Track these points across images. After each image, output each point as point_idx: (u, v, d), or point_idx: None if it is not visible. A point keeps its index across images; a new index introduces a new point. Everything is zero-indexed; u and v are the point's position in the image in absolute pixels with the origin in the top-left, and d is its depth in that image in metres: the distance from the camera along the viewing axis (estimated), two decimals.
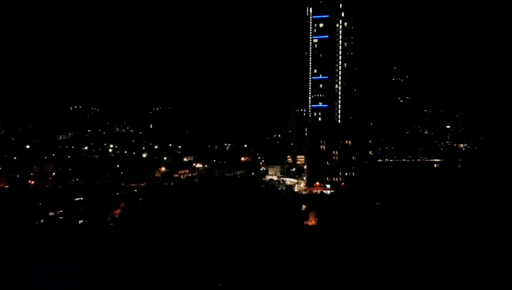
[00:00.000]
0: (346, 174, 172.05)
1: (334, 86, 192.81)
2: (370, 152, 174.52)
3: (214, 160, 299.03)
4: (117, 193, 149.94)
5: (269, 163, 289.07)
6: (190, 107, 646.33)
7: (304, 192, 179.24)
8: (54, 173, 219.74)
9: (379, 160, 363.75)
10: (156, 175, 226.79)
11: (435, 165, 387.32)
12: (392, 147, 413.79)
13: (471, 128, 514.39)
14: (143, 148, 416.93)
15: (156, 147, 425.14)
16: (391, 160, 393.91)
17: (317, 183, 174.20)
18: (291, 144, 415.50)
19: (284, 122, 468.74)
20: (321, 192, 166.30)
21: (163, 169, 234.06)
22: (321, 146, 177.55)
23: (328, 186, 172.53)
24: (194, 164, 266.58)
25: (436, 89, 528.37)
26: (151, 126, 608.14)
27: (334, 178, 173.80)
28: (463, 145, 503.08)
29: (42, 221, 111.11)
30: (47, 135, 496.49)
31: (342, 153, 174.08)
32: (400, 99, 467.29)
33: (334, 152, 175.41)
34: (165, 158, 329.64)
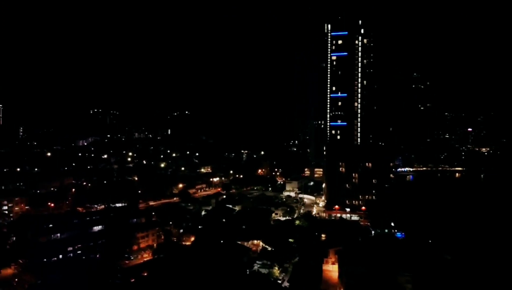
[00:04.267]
0: (367, 197, 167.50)
1: (354, 103, 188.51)
2: (391, 175, 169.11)
3: (231, 171, 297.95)
4: (135, 220, 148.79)
5: (286, 175, 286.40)
6: (207, 112, 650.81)
7: (323, 214, 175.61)
8: (73, 189, 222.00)
9: (399, 169, 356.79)
10: (173, 192, 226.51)
11: (457, 175, 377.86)
12: (412, 155, 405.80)
13: (493, 131, 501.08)
14: (161, 156, 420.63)
15: (173, 155, 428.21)
16: (411, 169, 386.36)
17: (337, 206, 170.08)
18: (308, 150, 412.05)
19: (301, 128, 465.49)
20: (341, 218, 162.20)
21: (180, 185, 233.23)
22: (341, 168, 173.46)
23: (348, 209, 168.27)
24: (211, 178, 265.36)
25: (457, 92, 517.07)
26: (169, 131, 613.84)
27: (354, 201, 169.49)
28: (485, 149, 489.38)
29: (60, 256, 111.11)
30: (68, 140, 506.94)
31: (362, 176, 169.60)
32: (421, 106, 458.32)
33: (354, 174, 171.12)
34: (182, 168, 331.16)
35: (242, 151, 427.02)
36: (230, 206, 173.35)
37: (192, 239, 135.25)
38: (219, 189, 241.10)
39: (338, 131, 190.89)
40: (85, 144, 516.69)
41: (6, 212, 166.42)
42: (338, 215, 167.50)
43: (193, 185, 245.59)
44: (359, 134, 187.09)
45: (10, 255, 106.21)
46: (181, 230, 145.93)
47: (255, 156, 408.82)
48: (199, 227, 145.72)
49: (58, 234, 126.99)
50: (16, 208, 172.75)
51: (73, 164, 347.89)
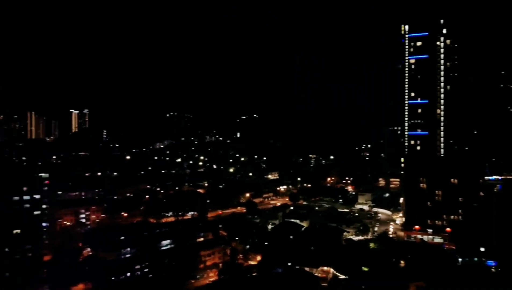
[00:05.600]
0: (452, 217, 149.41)
1: (435, 111, 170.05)
2: (481, 193, 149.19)
3: (299, 179, 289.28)
4: (202, 234, 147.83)
5: (358, 185, 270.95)
6: (276, 115, 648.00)
7: (400, 233, 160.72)
8: (147, 196, 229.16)
9: (486, 177, 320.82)
10: (241, 201, 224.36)
11: None
12: (501, 162, 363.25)
13: None
14: (230, 160, 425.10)
15: (242, 159, 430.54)
16: (500, 177, 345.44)
17: (417, 226, 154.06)
18: (382, 155, 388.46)
19: (374, 132, 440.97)
20: (422, 240, 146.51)
21: (247, 195, 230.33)
22: (421, 184, 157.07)
23: (429, 230, 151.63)
24: (278, 187, 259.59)
25: None
26: (238, 135, 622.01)
27: (437, 221, 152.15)
28: None
29: (128, 274, 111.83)
30: (147, 143, 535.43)
31: (446, 193, 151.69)
32: (510, 108, 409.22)
33: (437, 191, 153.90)
34: (250, 174, 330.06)
35: (310, 155, 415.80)
36: (298, 221, 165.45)
37: (258, 258, 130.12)
38: (287, 199, 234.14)
39: (418, 141, 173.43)
40: (162, 146, 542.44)
41: (84, 220, 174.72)
42: (419, 236, 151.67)
43: (260, 193, 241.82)
44: (442, 144, 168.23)
45: (82, 272, 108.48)
46: (247, 246, 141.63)
47: (324, 161, 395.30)
48: (265, 243, 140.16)
49: (128, 249, 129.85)
50: (93, 217, 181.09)
51: (149, 168, 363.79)
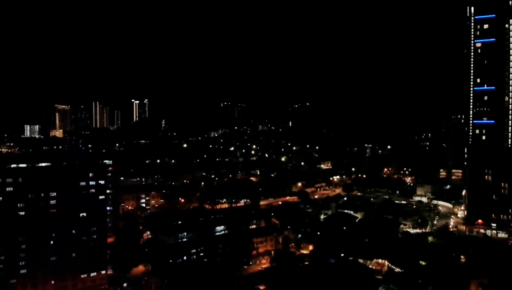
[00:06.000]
0: None
1: (504, 98, 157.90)
2: None
3: (353, 169, 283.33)
4: (255, 221, 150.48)
5: (417, 176, 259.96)
6: (329, 103, 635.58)
7: (462, 227, 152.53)
8: (203, 183, 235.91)
9: None
10: (293, 190, 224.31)
11: None
12: None
13: None
14: (282, 149, 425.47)
15: (294, 148, 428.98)
16: None
17: (480, 220, 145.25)
18: (444, 145, 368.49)
19: (436, 121, 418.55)
20: (485, 235, 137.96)
21: (299, 184, 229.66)
22: (487, 176, 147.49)
23: (493, 225, 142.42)
24: (331, 177, 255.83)
25: None
26: (290, 124, 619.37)
27: (502, 216, 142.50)
28: None
29: (185, 258, 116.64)
30: (202, 132, 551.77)
31: None
32: None
33: (503, 183, 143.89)
34: (302, 163, 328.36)
35: (366, 145, 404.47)
36: (351, 212, 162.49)
37: (310, 248, 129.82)
38: (340, 190, 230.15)
39: (484, 131, 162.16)
40: (216, 135, 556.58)
41: (144, 205, 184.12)
42: (482, 231, 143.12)
43: (313, 183, 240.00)
44: (510, 134, 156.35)
45: (142, 254, 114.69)
46: (299, 235, 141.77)
47: (380, 151, 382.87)
48: (318, 233, 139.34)
49: (185, 233, 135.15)
50: (152, 202, 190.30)
51: (205, 155, 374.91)
